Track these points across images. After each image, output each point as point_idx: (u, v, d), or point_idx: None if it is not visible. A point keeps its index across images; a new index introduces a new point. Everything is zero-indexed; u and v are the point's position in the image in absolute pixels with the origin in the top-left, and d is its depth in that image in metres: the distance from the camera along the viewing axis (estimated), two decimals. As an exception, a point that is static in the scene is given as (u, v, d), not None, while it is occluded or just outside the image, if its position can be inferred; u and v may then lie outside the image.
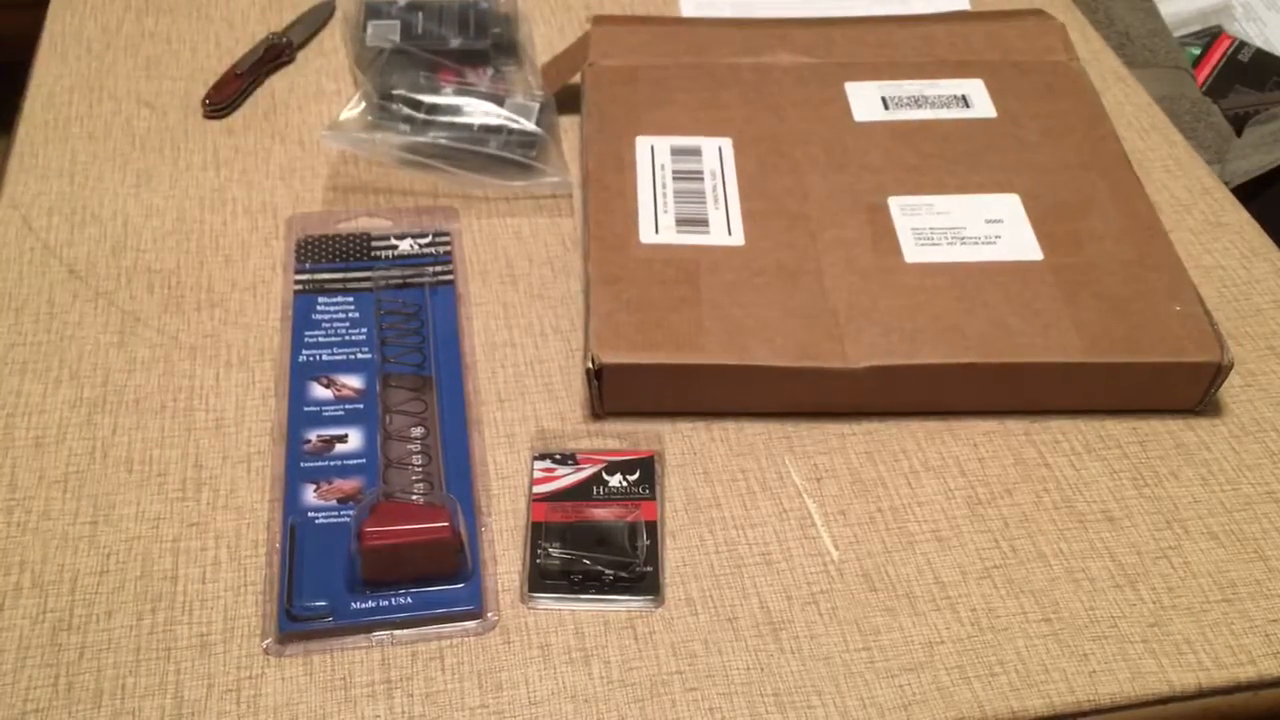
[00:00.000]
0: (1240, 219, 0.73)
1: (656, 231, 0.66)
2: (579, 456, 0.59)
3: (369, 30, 0.81)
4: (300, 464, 0.58)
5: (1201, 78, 1.14)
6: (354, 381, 0.62)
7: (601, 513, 0.56)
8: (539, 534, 0.55)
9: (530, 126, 0.74)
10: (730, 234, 0.66)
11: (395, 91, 0.75)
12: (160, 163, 0.75)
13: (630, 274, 0.63)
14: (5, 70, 1.40)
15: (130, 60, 0.83)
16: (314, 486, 0.58)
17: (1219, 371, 0.60)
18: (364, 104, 0.74)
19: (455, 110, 0.74)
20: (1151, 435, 0.61)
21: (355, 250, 0.69)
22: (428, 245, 0.69)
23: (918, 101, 0.74)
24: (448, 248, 0.69)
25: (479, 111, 0.74)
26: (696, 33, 0.80)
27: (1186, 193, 0.75)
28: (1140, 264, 0.64)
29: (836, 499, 0.58)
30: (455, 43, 0.80)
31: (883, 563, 0.56)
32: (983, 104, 0.74)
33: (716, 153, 0.71)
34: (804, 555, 0.56)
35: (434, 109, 0.74)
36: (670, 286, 0.62)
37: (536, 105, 0.75)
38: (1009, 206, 0.67)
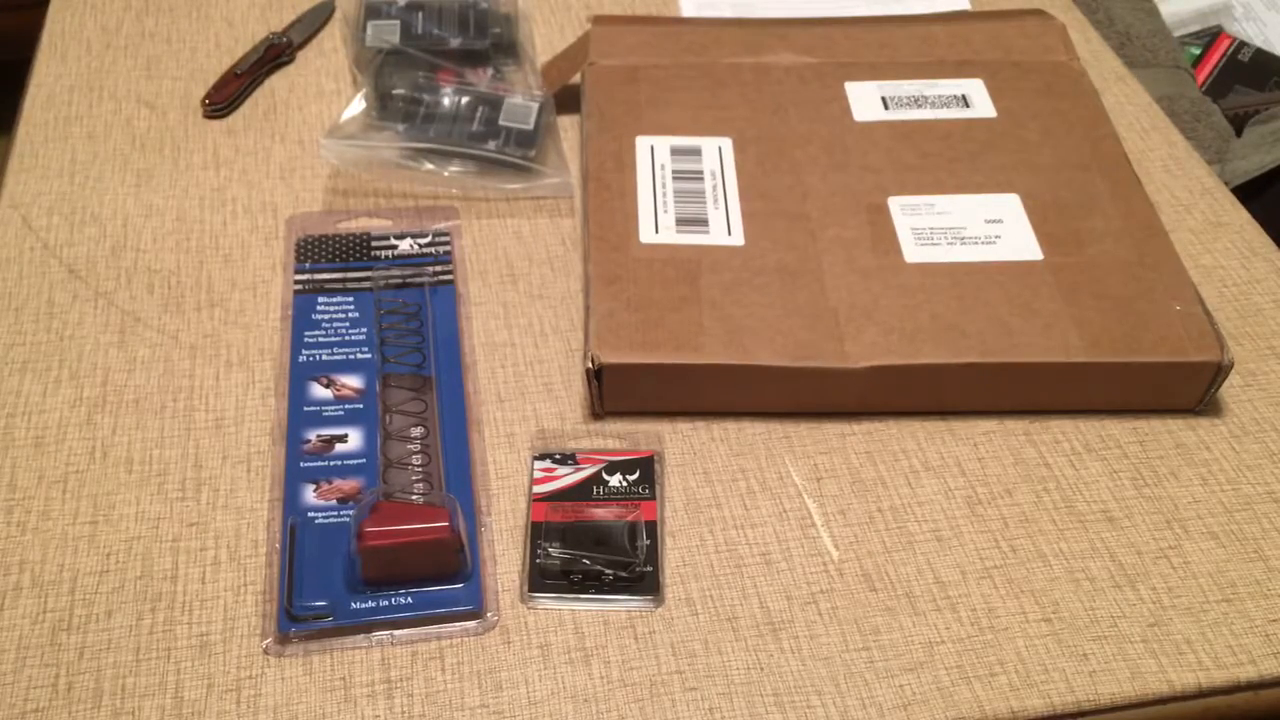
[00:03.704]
0: (1240, 219, 0.73)
1: (656, 231, 0.66)
2: (579, 456, 0.59)
3: (369, 30, 0.81)
4: (300, 464, 0.58)
5: (1201, 78, 1.14)
6: (354, 381, 0.62)
7: (601, 513, 0.56)
8: (539, 534, 0.55)
9: (529, 128, 0.74)
10: (730, 234, 0.66)
11: (394, 92, 0.75)
12: (160, 163, 0.75)
13: (630, 274, 0.63)
14: (5, 70, 1.40)
15: (130, 60, 0.83)
16: (314, 486, 0.57)
17: (1219, 371, 0.60)
18: (364, 105, 0.74)
19: (454, 111, 0.74)
20: (1151, 435, 0.61)
21: (355, 250, 0.69)
22: (428, 245, 0.69)
23: (918, 101, 0.74)
24: (447, 247, 0.69)
25: (478, 112, 0.74)
26: (696, 33, 0.80)
27: (1186, 193, 0.75)
28: (1140, 264, 0.64)
29: (836, 499, 0.58)
30: (455, 43, 0.80)
31: (883, 563, 0.56)
32: (983, 104, 0.74)
33: (716, 153, 0.71)
34: (804, 555, 0.56)
35: (433, 109, 0.74)
36: (670, 286, 0.62)
37: (536, 105, 0.75)
38: (1009, 206, 0.67)
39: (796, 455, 0.60)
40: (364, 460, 0.59)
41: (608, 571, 0.54)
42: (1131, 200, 0.68)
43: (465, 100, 0.75)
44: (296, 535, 0.56)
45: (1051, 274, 0.63)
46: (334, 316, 0.65)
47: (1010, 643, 0.53)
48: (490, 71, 0.80)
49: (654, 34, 0.79)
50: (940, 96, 0.75)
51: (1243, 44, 1.16)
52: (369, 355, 0.64)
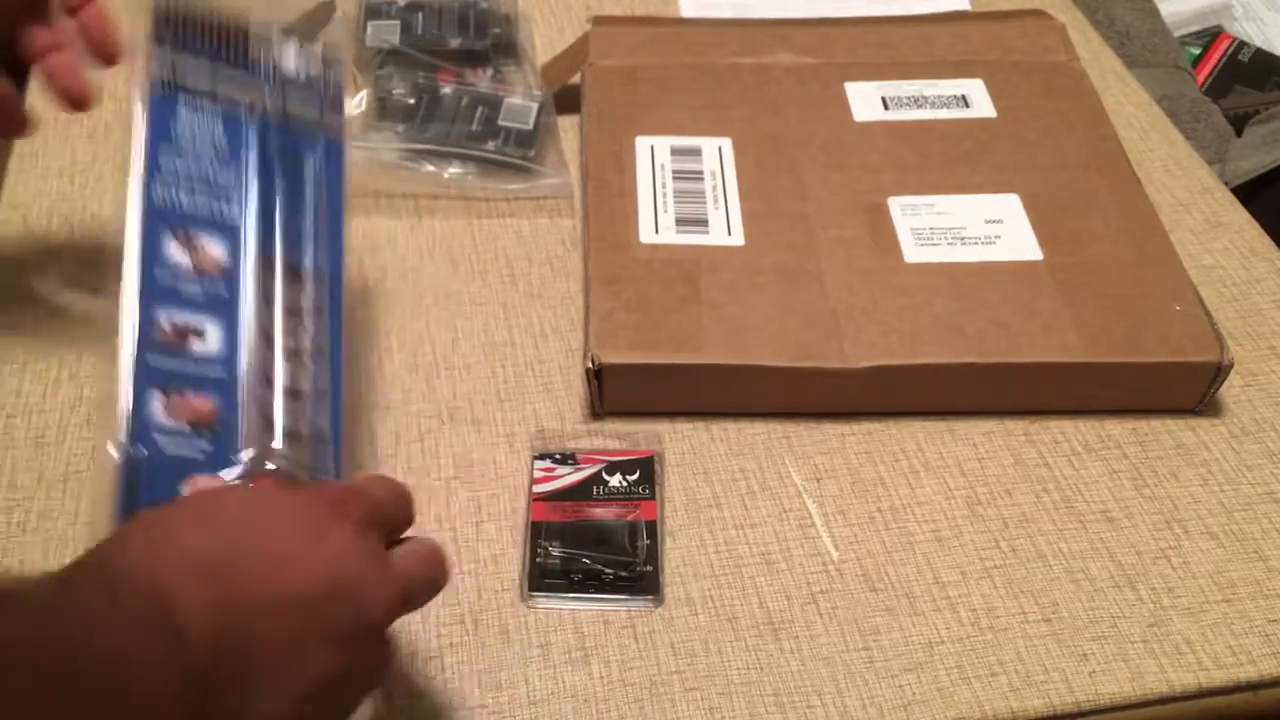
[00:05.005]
0: (1240, 219, 0.73)
1: (656, 231, 0.66)
2: (579, 456, 0.59)
3: (369, 30, 0.80)
4: (149, 359, 0.44)
5: (1201, 78, 1.14)
6: (217, 250, 0.47)
7: (601, 512, 0.56)
8: (539, 533, 0.55)
9: (528, 128, 0.74)
10: (730, 234, 0.66)
11: (394, 92, 0.75)
12: (160, 163, 0.75)
13: (630, 274, 0.63)
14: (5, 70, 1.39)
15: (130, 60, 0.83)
16: (163, 397, 0.44)
17: (1219, 371, 0.60)
18: (364, 105, 0.74)
19: (454, 111, 0.74)
20: (1151, 435, 0.61)
21: (229, 43, 0.52)
22: (316, 73, 0.54)
23: (918, 101, 0.74)
24: (339, 77, 0.55)
25: (477, 113, 0.74)
26: (696, 33, 0.80)
27: (1186, 193, 0.75)
28: (1140, 264, 0.64)
29: (836, 499, 0.58)
30: (455, 43, 0.80)
31: (883, 563, 0.56)
32: (983, 104, 0.74)
33: (716, 153, 0.71)
34: (804, 555, 0.56)
35: (433, 110, 0.74)
36: (670, 286, 0.62)
37: (535, 106, 0.75)
38: (1009, 206, 0.67)
39: (796, 455, 0.60)
40: (222, 371, 0.45)
41: (608, 571, 0.54)
42: (1131, 200, 0.68)
43: (465, 100, 0.75)
44: (143, 474, 0.42)
45: (1051, 274, 0.63)
46: (198, 140, 0.50)
47: (1010, 643, 0.53)
48: (490, 72, 0.80)
49: (654, 34, 0.79)
50: (940, 96, 0.75)
51: (1243, 44, 1.16)
52: (236, 216, 0.48)
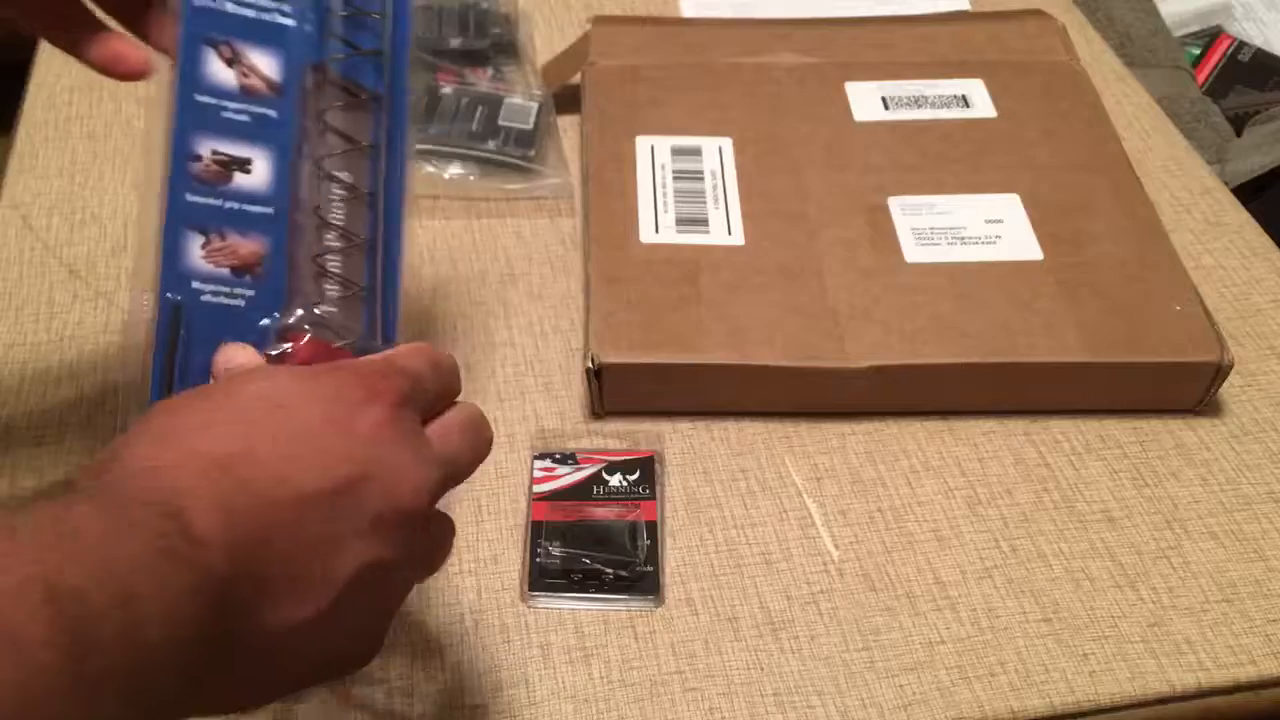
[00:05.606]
0: (1240, 219, 0.73)
1: (656, 231, 0.66)
2: (579, 456, 0.59)
3: (369, 30, 0.80)
4: (187, 195, 0.39)
5: (1201, 78, 1.14)
6: (267, 66, 0.41)
7: (602, 512, 0.56)
8: (539, 533, 0.55)
9: (528, 128, 0.74)
10: (730, 234, 0.66)
11: (395, 91, 0.75)
12: (160, 162, 0.75)
13: (630, 274, 0.63)
14: (5, 70, 1.39)
15: None
16: (201, 239, 0.39)
17: (1219, 371, 0.60)
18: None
19: (454, 111, 0.74)
20: (1151, 435, 0.61)
21: None
22: None
23: (918, 101, 0.74)
24: None
25: (478, 112, 0.74)
26: (696, 33, 0.80)
27: (1186, 193, 0.75)
28: (1140, 264, 0.64)
29: (836, 499, 0.58)
30: (455, 43, 0.80)
31: (883, 563, 0.56)
32: (983, 104, 0.74)
33: (716, 152, 0.71)
34: (804, 555, 0.56)
35: (432, 109, 0.74)
36: (670, 286, 0.62)
37: (535, 105, 0.75)
38: (1009, 206, 0.67)
39: (796, 455, 0.60)
40: (270, 209, 0.40)
41: (608, 571, 0.54)
42: (1131, 200, 0.68)
43: (465, 100, 0.75)
44: (181, 323, 0.39)
45: (1051, 274, 0.63)
46: None
47: (1010, 643, 0.53)
48: (490, 72, 0.80)
49: (654, 34, 0.79)
50: (940, 96, 0.75)
51: (1243, 44, 1.16)
52: (290, 22, 0.41)
